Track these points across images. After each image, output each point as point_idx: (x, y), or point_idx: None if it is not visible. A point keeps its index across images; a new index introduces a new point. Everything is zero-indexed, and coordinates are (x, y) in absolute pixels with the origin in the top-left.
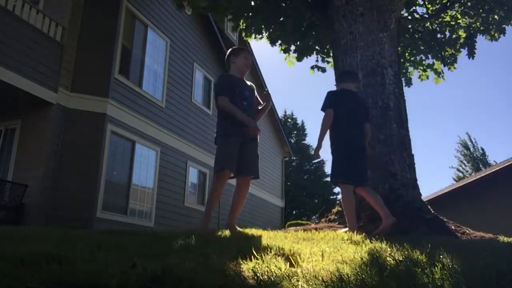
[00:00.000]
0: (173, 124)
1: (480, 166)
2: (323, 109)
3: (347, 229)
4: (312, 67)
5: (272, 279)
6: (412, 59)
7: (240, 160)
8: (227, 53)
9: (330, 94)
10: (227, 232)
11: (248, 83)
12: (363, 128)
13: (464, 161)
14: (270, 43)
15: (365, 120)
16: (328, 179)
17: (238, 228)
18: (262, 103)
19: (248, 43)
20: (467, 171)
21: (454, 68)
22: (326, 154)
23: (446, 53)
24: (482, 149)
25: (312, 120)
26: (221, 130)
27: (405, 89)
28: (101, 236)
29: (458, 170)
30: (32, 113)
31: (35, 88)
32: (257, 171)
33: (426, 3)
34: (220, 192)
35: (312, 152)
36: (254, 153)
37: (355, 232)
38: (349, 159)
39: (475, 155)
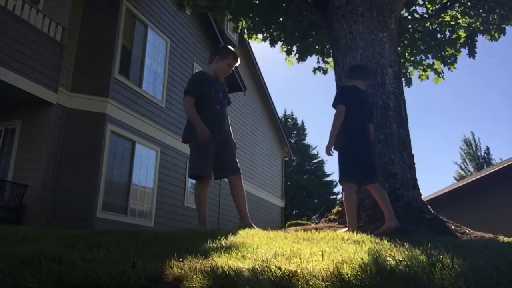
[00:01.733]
0: (173, 124)
1: (484, 165)
2: (334, 105)
3: (347, 229)
4: (314, 70)
5: (272, 279)
6: (412, 59)
7: (221, 162)
8: (217, 48)
9: (341, 90)
10: (226, 232)
11: (222, 82)
12: (368, 127)
13: (466, 160)
14: (270, 44)
15: (369, 120)
16: (328, 179)
17: (253, 225)
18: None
19: (248, 43)
20: (468, 170)
21: (454, 68)
22: (325, 154)
23: (446, 53)
24: (487, 148)
25: (312, 120)
26: (193, 134)
27: (405, 89)
28: (101, 236)
29: (460, 168)
30: (32, 113)
31: (35, 88)
32: (238, 168)
33: (426, 3)
34: (206, 196)
35: (312, 152)
36: (232, 153)
37: (355, 232)
38: (354, 157)
39: (478, 154)
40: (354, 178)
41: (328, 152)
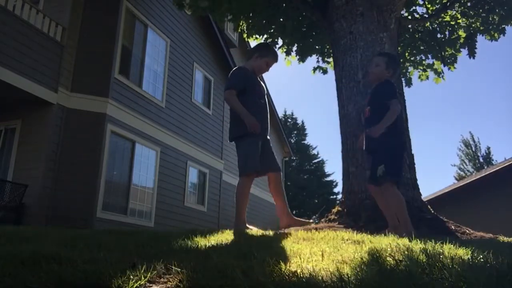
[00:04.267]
0: (173, 124)
1: (485, 165)
2: (390, 99)
3: (405, 233)
4: (314, 69)
5: (272, 279)
6: (412, 59)
7: (265, 159)
8: (257, 45)
9: (393, 85)
10: (226, 232)
11: (262, 83)
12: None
13: (466, 160)
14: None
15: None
16: (328, 179)
17: (298, 218)
18: None
19: (248, 43)
20: (468, 171)
21: (454, 68)
22: (325, 154)
23: (446, 53)
24: (488, 148)
25: (312, 120)
26: (244, 130)
27: (405, 89)
28: (101, 236)
29: (459, 169)
30: (32, 113)
31: (35, 88)
32: (279, 166)
33: (426, 3)
34: (248, 192)
35: (312, 152)
36: (271, 150)
37: (413, 235)
38: (401, 158)
39: (478, 154)
40: (399, 177)
41: (378, 133)
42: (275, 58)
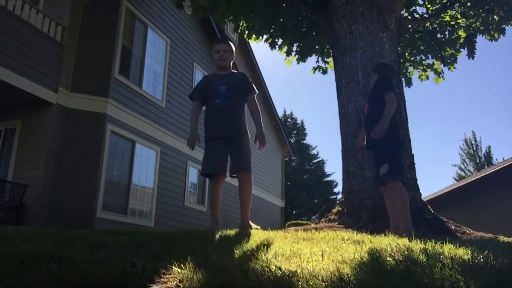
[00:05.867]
0: (173, 124)
1: (485, 165)
2: (385, 91)
3: (402, 231)
4: (314, 69)
5: (272, 279)
6: (412, 59)
7: (232, 161)
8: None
9: (390, 80)
10: (227, 232)
11: (234, 72)
12: None
13: (467, 160)
14: (270, 46)
15: None
16: (328, 179)
17: (252, 224)
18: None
19: (248, 42)
20: (468, 170)
21: (454, 68)
22: (325, 154)
23: (446, 53)
24: (489, 147)
25: (312, 120)
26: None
27: (405, 89)
28: (101, 236)
29: (460, 168)
30: (32, 113)
31: (35, 88)
32: (242, 167)
33: (426, 3)
34: (218, 194)
35: (312, 152)
36: (239, 150)
37: (412, 233)
38: (402, 154)
39: (478, 153)
40: (402, 174)
41: (382, 132)
42: (217, 44)
